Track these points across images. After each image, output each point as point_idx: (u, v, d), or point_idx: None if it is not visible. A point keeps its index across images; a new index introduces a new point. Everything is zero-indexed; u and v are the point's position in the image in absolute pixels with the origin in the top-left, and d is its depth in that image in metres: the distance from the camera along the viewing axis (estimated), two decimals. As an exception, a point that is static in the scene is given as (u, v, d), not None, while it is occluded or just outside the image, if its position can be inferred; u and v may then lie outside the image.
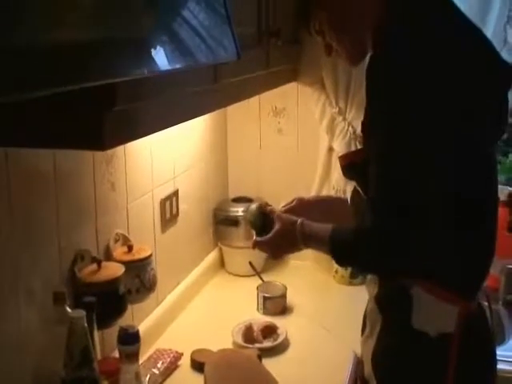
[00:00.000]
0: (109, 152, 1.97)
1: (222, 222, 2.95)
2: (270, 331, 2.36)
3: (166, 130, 1.46)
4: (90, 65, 0.89)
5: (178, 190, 2.52)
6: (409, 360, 1.65)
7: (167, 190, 2.44)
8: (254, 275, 2.69)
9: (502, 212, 2.93)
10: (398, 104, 1.48)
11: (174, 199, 2.49)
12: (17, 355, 1.59)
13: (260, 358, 2.11)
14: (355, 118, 2.76)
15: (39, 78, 0.78)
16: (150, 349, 2.19)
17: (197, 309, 2.64)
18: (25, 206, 1.59)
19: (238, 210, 2.92)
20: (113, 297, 1.80)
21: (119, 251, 2.01)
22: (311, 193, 2.91)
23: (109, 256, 1.98)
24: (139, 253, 2.01)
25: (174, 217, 2.51)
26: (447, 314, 1.60)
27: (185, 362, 2.16)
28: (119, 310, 1.84)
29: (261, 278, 2.68)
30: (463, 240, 1.59)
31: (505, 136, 1.80)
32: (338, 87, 2.79)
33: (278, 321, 2.45)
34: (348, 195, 1.80)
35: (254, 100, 2.93)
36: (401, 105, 1.47)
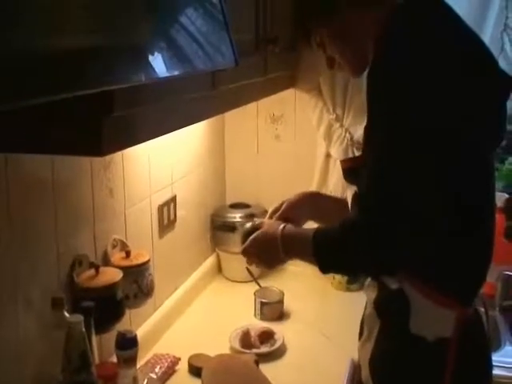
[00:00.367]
0: (107, 158, 1.97)
1: (219, 228, 2.95)
2: (267, 337, 2.36)
3: (163, 136, 1.46)
4: (88, 72, 0.90)
5: (175, 196, 2.52)
6: (406, 364, 1.65)
7: (165, 196, 2.44)
8: (251, 281, 2.70)
9: (498, 218, 2.91)
10: (397, 104, 1.47)
11: (172, 205, 2.50)
12: (15, 359, 1.60)
13: (257, 363, 2.11)
14: (352, 125, 2.77)
15: (37, 85, 0.79)
16: (148, 353, 2.20)
17: (194, 314, 2.64)
18: (23, 212, 1.59)
19: (236, 216, 2.93)
20: (111, 302, 1.81)
21: (117, 257, 2.01)
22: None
23: (107, 261, 1.99)
24: (137, 258, 2.01)
25: (172, 222, 2.52)
26: (445, 319, 1.60)
27: (182, 366, 2.17)
28: (117, 314, 1.84)
29: (258, 284, 2.69)
30: (461, 245, 1.59)
31: (503, 143, 1.81)
32: (335, 94, 2.80)
33: (275, 326, 2.45)
34: (347, 200, 1.80)
35: (252, 106, 2.94)
36: (401, 105, 1.47)
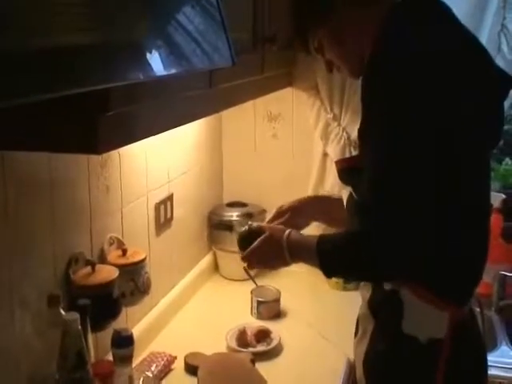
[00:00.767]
0: (103, 156, 1.97)
1: (216, 227, 2.95)
2: (263, 335, 2.36)
3: (160, 134, 1.46)
4: (85, 70, 0.90)
5: (172, 194, 2.52)
6: (398, 364, 1.66)
7: (162, 194, 2.44)
8: (248, 279, 2.69)
9: (495, 219, 2.94)
10: (397, 104, 1.47)
11: (169, 203, 2.50)
12: (11, 357, 1.60)
13: (253, 362, 2.11)
14: (350, 124, 2.78)
15: (32, 83, 0.79)
16: (144, 352, 2.20)
17: (191, 312, 2.64)
18: (20, 209, 1.59)
19: (233, 215, 2.93)
20: (107, 300, 1.81)
21: (113, 254, 2.01)
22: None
23: (103, 259, 1.99)
24: (133, 256, 2.01)
25: (169, 221, 2.52)
26: (438, 320, 1.60)
27: (178, 365, 2.17)
28: (113, 312, 1.84)
29: (255, 283, 2.68)
30: (456, 246, 1.59)
31: (500, 143, 1.81)
32: (332, 93, 2.80)
33: (271, 325, 2.45)
34: (337, 197, 1.80)
35: (249, 105, 2.94)
36: (400, 104, 1.46)
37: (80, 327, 1.56)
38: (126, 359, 1.84)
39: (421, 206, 1.47)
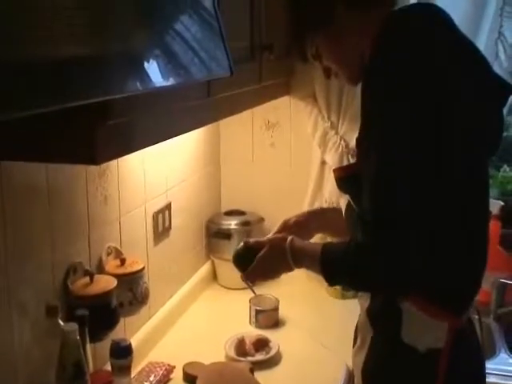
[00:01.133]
0: (102, 166, 1.97)
1: (214, 235, 2.95)
2: (262, 344, 2.36)
3: (158, 144, 1.46)
4: (84, 83, 0.90)
5: (170, 203, 2.52)
6: (398, 374, 1.65)
7: (160, 204, 2.44)
8: (246, 288, 2.68)
9: (494, 226, 2.94)
10: (396, 106, 1.46)
11: (167, 212, 2.50)
12: (9, 367, 1.59)
13: (252, 371, 2.11)
14: (347, 132, 2.78)
15: (32, 96, 0.79)
16: (143, 362, 2.19)
17: (189, 322, 2.63)
18: (18, 219, 1.59)
19: (231, 223, 2.93)
20: (105, 310, 1.80)
21: (112, 264, 2.01)
22: (304, 206, 2.92)
23: (101, 269, 1.98)
24: (132, 266, 2.01)
25: (167, 230, 2.52)
26: (437, 330, 1.59)
27: (177, 375, 2.16)
28: (111, 323, 1.84)
29: (253, 291, 2.66)
30: (455, 256, 1.58)
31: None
32: (330, 101, 2.80)
33: (270, 334, 2.45)
34: (341, 209, 1.79)
35: (247, 114, 2.94)
36: (400, 108, 1.45)
37: (78, 338, 1.56)
38: (125, 369, 1.84)
39: (421, 217, 1.46)
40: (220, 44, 1.38)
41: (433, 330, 1.60)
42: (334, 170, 1.78)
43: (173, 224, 2.55)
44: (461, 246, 1.58)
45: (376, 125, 1.51)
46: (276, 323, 2.61)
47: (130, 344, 1.87)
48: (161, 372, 2.11)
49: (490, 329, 2.95)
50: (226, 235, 2.90)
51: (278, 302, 2.64)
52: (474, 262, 1.65)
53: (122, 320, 1.92)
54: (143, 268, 2.03)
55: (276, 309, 2.63)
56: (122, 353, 1.84)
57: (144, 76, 1.07)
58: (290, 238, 1.74)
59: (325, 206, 2.87)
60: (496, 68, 2.62)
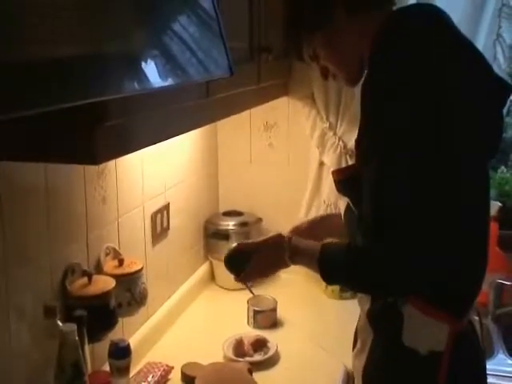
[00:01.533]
0: (100, 166, 1.97)
1: (212, 236, 2.95)
2: (260, 345, 2.36)
3: (157, 144, 1.46)
4: (82, 83, 0.90)
5: (168, 204, 2.52)
6: (399, 377, 1.64)
7: (158, 204, 2.44)
8: (244, 289, 2.68)
9: (491, 227, 2.93)
10: (397, 103, 1.45)
11: (165, 213, 2.50)
12: (7, 368, 1.59)
13: (251, 371, 2.11)
14: (346, 133, 2.78)
15: (31, 96, 0.79)
16: (141, 362, 2.19)
17: (187, 322, 2.63)
18: (15, 219, 1.59)
19: (229, 224, 2.93)
20: (103, 310, 1.80)
21: (110, 265, 2.00)
22: (302, 207, 2.92)
23: (99, 270, 1.98)
24: (130, 266, 2.01)
25: (165, 230, 2.52)
26: (438, 332, 1.58)
27: (175, 375, 2.16)
28: (110, 323, 1.84)
29: (251, 292, 2.66)
30: (456, 259, 1.57)
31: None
32: (328, 102, 2.80)
33: (268, 334, 2.45)
34: (340, 210, 1.78)
35: (245, 114, 2.94)
36: (400, 106, 1.45)
37: (77, 338, 1.56)
38: (123, 370, 1.84)
39: (422, 220, 1.45)
40: (220, 44, 1.38)
41: (434, 332, 1.59)
42: (333, 172, 1.78)
43: (171, 224, 2.55)
44: (461, 247, 1.57)
45: (376, 124, 1.50)
46: (274, 324, 2.61)
47: (129, 344, 1.87)
48: (159, 372, 2.11)
49: (488, 330, 2.94)
50: (224, 236, 2.90)
51: (276, 302, 2.64)
52: (475, 263, 1.64)
53: (120, 320, 1.91)
54: (141, 268, 2.03)
55: (274, 309, 2.63)
56: (121, 353, 1.84)
57: (143, 76, 1.07)
58: (288, 235, 1.75)
59: (323, 206, 2.87)
60: (495, 69, 2.62)
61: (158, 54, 1.14)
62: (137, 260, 2.07)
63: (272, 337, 2.43)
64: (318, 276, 1.63)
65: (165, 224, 2.50)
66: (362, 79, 1.63)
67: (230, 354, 2.29)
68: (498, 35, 2.71)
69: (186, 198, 2.74)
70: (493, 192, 3.23)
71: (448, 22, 1.60)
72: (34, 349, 1.64)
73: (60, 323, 1.60)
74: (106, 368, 1.89)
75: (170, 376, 2.15)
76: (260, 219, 2.99)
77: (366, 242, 1.50)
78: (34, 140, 1.17)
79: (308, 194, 2.95)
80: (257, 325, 2.58)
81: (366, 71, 1.60)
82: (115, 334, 1.91)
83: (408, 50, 1.49)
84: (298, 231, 1.96)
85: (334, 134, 2.82)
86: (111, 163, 2.04)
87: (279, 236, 1.77)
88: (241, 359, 2.26)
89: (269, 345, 2.36)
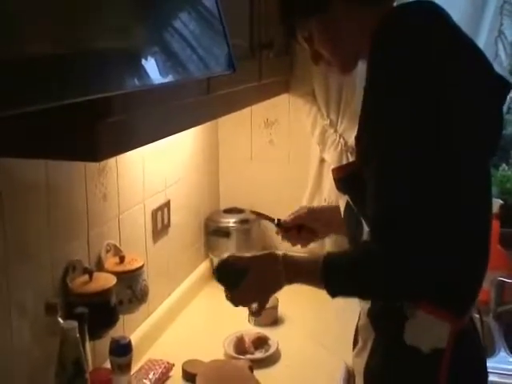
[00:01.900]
0: (101, 163, 1.97)
1: (213, 233, 2.95)
2: (261, 342, 2.36)
3: (157, 141, 1.46)
4: (83, 79, 0.90)
5: (169, 201, 2.52)
6: (401, 376, 1.64)
7: (159, 201, 2.44)
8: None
9: (493, 224, 2.94)
10: (398, 100, 1.44)
11: (166, 210, 2.50)
12: (8, 365, 1.59)
13: (251, 369, 2.11)
14: (346, 130, 2.77)
15: (33, 92, 0.79)
16: (142, 359, 2.19)
17: (188, 319, 2.63)
18: (16, 216, 1.59)
19: (229, 221, 2.93)
20: (104, 308, 1.80)
21: (111, 262, 2.00)
22: (302, 204, 2.91)
23: (100, 267, 1.98)
24: (131, 263, 2.00)
25: (166, 227, 2.52)
26: (440, 331, 1.58)
27: (176, 372, 2.16)
28: (111, 320, 1.83)
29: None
30: (457, 258, 1.56)
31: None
32: (329, 99, 2.80)
33: (269, 332, 2.45)
34: (341, 208, 1.78)
35: (246, 111, 2.94)
36: (401, 101, 1.44)
37: (78, 335, 1.56)
38: (124, 367, 1.84)
39: (422, 220, 1.43)
40: (222, 41, 1.38)
41: (435, 330, 1.58)
42: (333, 170, 1.76)
43: (172, 222, 2.55)
44: (461, 247, 1.56)
45: (376, 121, 1.50)
46: (275, 321, 2.60)
47: (130, 342, 1.87)
48: (160, 370, 2.11)
49: (490, 327, 2.95)
50: (225, 233, 2.90)
51: (277, 300, 2.63)
52: (475, 262, 1.63)
53: (121, 317, 1.91)
54: (142, 265, 2.03)
55: (275, 307, 2.62)
56: (122, 350, 1.84)
57: (143, 73, 1.07)
58: (281, 253, 1.65)
59: (324, 204, 2.86)
60: (496, 66, 2.60)
61: (159, 51, 1.13)
62: (138, 257, 2.07)
63: (273, 334, 2.43)
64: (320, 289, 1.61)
65: (165, 221, 2.50)
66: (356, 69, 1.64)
67: (231, 352, 2.29)
68: (500, 32, 2.71)
69: (186, 195, 2.74)
70: (494, 190, 3.22)
71: (448, 19, 1.60)
72: (35, 346, 1.64)
73: (61, 320, 1.60)
74: (107, 365, 1.89)
75: (170, 373, 2.15)
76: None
77: (377, 247, 1.46)
78: (35, 137, 1.17)
79: (309, 191, 2.95)
80: (257, 322, 2.57)
81: (366, 69, 1.60)
82: (116, 331, 1.90)
83: (408, 47, 1.48)
84: (297, 217, 2.00)
85: (335, 131, 2.82)
86: (112, 160, 2.04)
87: (270, 256, 1.68)
88: (242, 357, 2.26)
89: (270, 342, 2.36)
